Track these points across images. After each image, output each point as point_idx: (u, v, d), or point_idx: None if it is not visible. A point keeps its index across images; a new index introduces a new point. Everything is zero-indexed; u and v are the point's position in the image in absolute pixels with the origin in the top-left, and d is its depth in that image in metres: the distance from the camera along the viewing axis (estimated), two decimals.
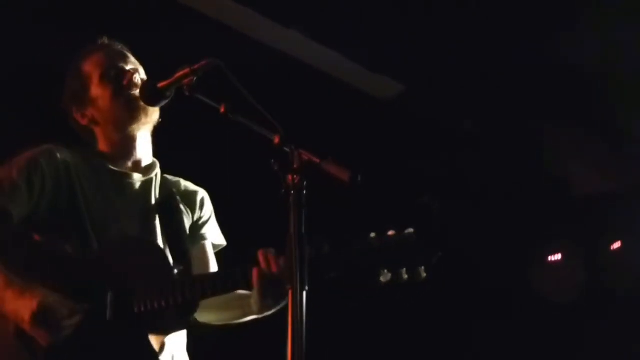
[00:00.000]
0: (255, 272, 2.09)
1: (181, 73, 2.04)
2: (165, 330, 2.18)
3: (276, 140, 1.86)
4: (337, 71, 4.65)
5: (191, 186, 2.51)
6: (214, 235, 2.51)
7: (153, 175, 2.38)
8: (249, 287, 2.13)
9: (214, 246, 2.51)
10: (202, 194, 2.51)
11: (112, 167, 2.32)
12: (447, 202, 5.52)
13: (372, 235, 2.08)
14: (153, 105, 2.24)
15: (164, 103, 2.22)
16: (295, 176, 1.77)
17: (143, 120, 2.32)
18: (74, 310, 2.05)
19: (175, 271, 2.21)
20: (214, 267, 2.45)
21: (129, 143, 2.35)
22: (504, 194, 5.55)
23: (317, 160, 1.79)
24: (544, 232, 5.81)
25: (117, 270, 2.15)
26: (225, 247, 2.55)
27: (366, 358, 5.35)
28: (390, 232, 2.07)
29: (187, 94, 2.05)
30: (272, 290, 2.11)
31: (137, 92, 2.28)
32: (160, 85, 2.12)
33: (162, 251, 2.27)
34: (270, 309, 2.20)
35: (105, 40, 2.43)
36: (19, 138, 2.35)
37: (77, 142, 2.38)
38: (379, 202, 4.95)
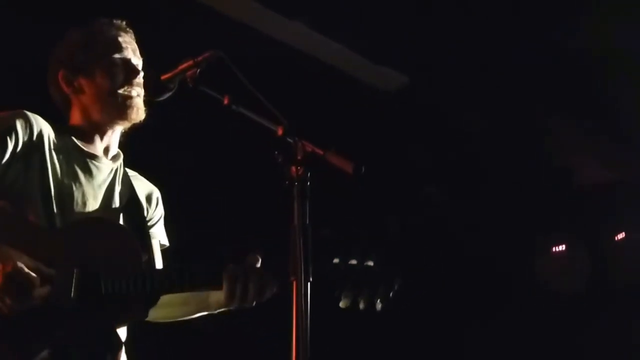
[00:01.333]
0: (228, 275, 2.09)
1: (184, 65, 2.04)
2: (127, 318, 2.14)
3: (280, 132, 1.86)
4: (340, 63, 4.65)
5: (148, 184, 2.48)
6: (161, 235, 2.49)
7: (118, 164, 2.36)
8: (208, 286, 2.14)
9: (160, 245, 2.49)
10: (157, 193, 2.49)
11: (82, 146, 2.28)
12: (450, 193, 5.53)
13: (336, 260, 2.11)
14: (156, 97, 2.24)
15: (167, 95, 2.22)
16: (298, 168, 1.78)
17: (129, 119, 2.31)
18: (45, 279, 1.98)
19: (144, 258, 2.19)
20: (159, 265, 2.42)
21: (106, 129, 2.32)
22: (508, 186, 5.55)
23: (321, 152, 1.79)
24: (548, 223, 5.81)
25: (85, 248, 2.10)
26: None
27: (369, 349, 5.36)
28: (352, 261, 2.11)
29: (190, 86, 2.04)
30: (242, 292, 2.09)
31: (135, 92, 2.28)
32: (163, 77, 2.11)
33: (132, 235, 2.22)
34: (229, 307, 2.18)
35: (124, 24, 2.38)
36: None
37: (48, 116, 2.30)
38: (381, 194, 4.96)
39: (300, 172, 1.77)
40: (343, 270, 2.10)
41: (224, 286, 2.10)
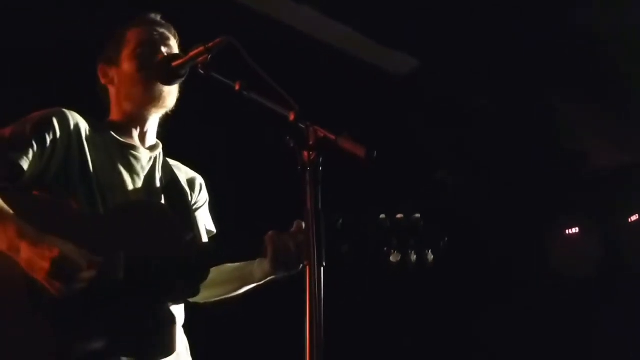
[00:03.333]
0: (271, 237, 2.12)
1: (195, 51, 2.04)
2: (178, 296, 2.18)
3: (291, 117, 1.85)
4: (350, 47, 4.63)
5: (190, 171, 2.53)
6: (207, 220, 2.53)
7: (157, 152, 2.40)
8: (253, 255, 2.17)
9: (207, 231, 2.53)
10: (200, 180, 2.53)
11: (119, 138, 2.32)
12: (463, 178, 5.52)
13: (382, 216, 2.14)
14: (167, 84, 2.25)
15: (178, 82, 2.22)
16: (311, 152, 1.77)
17: (157, 104, 2.32)
18: (91, 263, 2.02)
19: (188, 237, 2.21)
20: None
21: (139, 118, 2.36)
22: (521, 169, 5.53)
23: (333, 137, 1.78)
24: (561, 206, 5.79)
25: (129, 231, 2.13)
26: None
27: (382, 334, 5.38)
28: (399, 215, 2.14)
29: (201, 72, 2.04)
30: (283, 256, 2.13)
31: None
32: (174, 64, 2.12)
33: (175, 217, 2.25)
34: (272, 275, 2.23)
35: (157, 17, 2.42)
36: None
37: (88, 113, 2.36)
38: (392, 178, 4.95)
39: (312, 157, 1.77)
40: (390, 224, 2.12)
41: (268, 252, 2.13)
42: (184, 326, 2.33)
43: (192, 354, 2.34)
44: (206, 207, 2.54)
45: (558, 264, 5.64)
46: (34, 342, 2.02)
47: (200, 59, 2.03)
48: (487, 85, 5.04)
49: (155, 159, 2.39)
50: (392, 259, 2.11)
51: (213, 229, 2.55)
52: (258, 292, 2.38)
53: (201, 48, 2.02)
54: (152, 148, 2.39)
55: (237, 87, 1.97)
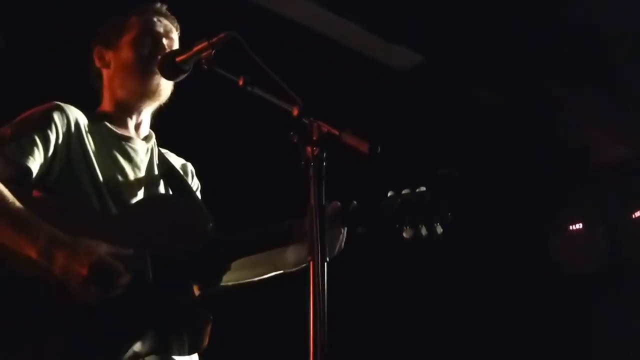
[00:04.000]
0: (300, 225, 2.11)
1: (199, 47, 2.04)
2: (204, 289, 2.14)
3: (295, 112, 1.85)
4: (353, 42, 4.62)
5: (179, 158, 2.50)
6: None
7: (152, 143, 2.38)
8: (290, 240, 2.17)
9: None
10: (190, 166, 2.51)
11: (115, 130, 2.30)
12: (467, 172, 5.51)
13: (390, 193, 2.19)
14: (171, 79, 2.24)
15: (182, 77, 2.22)
16: (314, 148, 1.77)
17: (152, 96, 2.31)
18: (127, 266, 1.98)
19: (210, 226, 2.18)
20: None
21: (133, 108, 2.34)
22: (524, 164, 5.52)
23: (337, 132, 1.78)
24: (565, 201, 5.78)
25: (150, 229, 2.11)
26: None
27: (386, 330, 5.38)
28: (405, 191, 2.18)
29: (205, 67, 2.04)
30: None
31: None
32: (178, 59, 2.11)
33: (195, 206, 2.23)
34: (305, 260, 2.20)
35: (163, 8, 2.39)
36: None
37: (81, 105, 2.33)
38: (396, 173, 4.94)
39: (316, 153, 1.77)
40: (398, 200, 2.16)
41: (301, 236, 2.12)
42: None
43: None
44: (199, 193, 2.51)
45: (562, 260, 5.63)
46: (60, 346, 1.96)
47: (204, 54, 2.02)
48: (490, 80, 5.03)
49: (152, 149, 2.37)
50: (405, 235, 2.14)
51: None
52: (261, 288, 2.37)
53: (205, 43, 2.02)
54: (146, 139, 2.37)
55: (240, 83, 1.96)
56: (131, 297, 1.99)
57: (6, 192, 2.03)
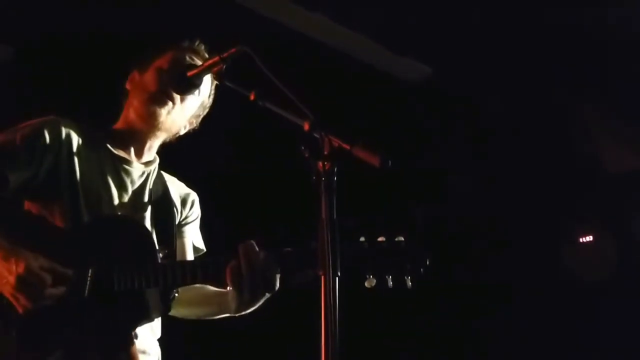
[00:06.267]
0: (228, 269, 2.08)
1: (210, 61, 2.05)
2: (146, 314, 2.15)
3: (306, 126, 1.85)
4: (363, 55, 4.64)
5: (185, 187, 2.52)
6: (195, 237, 2.51)
7: (152, 168, 2.39)
8: (219, 278, 2.13)
9: (195, 249, 2.51)
10: (193, 196, 2.52)
11: (113, 150, 2.32)
12: (476, 183, 5.50)
13: (362, 239, 2.10)
14: (183, 93, 2.25)
15: (193, 91, 2.23)
16: (325, 162, 1.77)
17: (155, 126, 2.32)
18: (59, 279, 2.02)
19: (160, 255, 2.20)
20: None
21: (138, 134, 2.36)
22: (534, 174, 5.51)
23: (347, 147, 1.78)
24: (574, 211, 5.75)
25: (101, 246, 2.13)
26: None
27: (397, 340, 5.37)
28: (380, 238, 2.09)
29: (216, 82, 2.04)
30: (249, 285, 2.08)
31: (171, 103, 2.30)
32: (189, 73, 2.12)
33: (149, 233, 2.25)
34: (247, 307, 2.17)
35: (201, 47, 2.39)
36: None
37: (86, 121, 2.37)
38: (404, 185, 4.94)
39: (327, 167, 1.77)
40: (370, 247, 2.07)
41: (228, 279, 2.09)
42: (160, 339, 2.31)
43: None
44: (196, 224, 2.52)
45: (572, 271, 5.60)
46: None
47: (215, 68, 2.03)
48: (500, 92, 5.03)
49: (149, 174, 2.38)
50: (366, 284, 2.04)
51: (202, 246, 2.54)
52: (272, 303, 2.37)
53: (216, 58, 2.02)
54: (147, 163, 2.39)
55: (252, 97, 1.96)
56: (62, 310, 2.03)
57: None
